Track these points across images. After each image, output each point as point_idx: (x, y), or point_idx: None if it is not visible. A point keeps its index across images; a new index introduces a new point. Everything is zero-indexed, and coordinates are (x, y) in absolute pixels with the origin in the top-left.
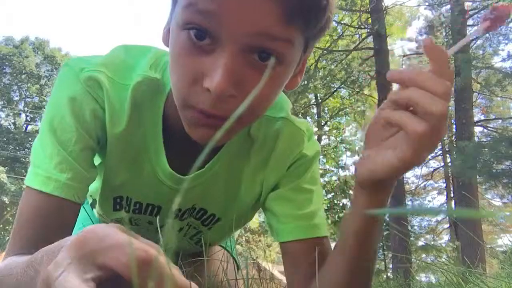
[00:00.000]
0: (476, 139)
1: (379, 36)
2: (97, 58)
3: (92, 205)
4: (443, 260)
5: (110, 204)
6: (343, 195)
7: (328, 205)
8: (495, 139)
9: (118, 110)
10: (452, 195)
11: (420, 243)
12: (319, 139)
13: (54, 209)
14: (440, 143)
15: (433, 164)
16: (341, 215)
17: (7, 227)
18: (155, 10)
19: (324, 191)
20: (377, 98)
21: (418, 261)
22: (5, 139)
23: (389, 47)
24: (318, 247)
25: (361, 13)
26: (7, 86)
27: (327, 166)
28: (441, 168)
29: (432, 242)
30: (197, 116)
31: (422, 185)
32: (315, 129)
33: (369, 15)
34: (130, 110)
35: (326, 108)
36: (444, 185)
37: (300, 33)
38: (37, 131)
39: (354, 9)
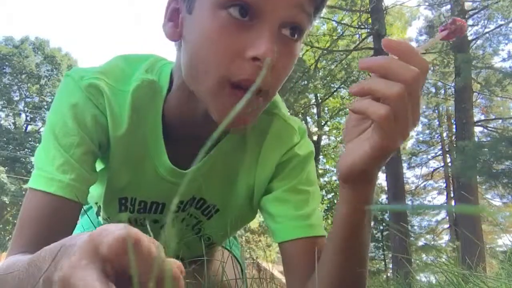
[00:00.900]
0: (476, 139)
1: (379, 36)
2: (97, 68)
3: (98, 213)
4: (443, 260)
5: (115, 206)
6: None
7: (328, 205)
8: (495, 139)
9: (119, 114)
10: (452, 195)
11: (420, 243)
12: (319, 139)
13: (57, 209)
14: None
15: (433, 164)
16: None
17: (7, 227)
18: (155, 10)
19: (324, 191)
20: None
21: (418, 261)
22: (5, 139)
23: None
24: (316, 246)
25: (361, 13)
26: (7, 86)
27: (327, 166)
28: (441, 168)
29: (432, 242)
30: (236, 94)
31: (422, 185)
32: (315, 129)
33: (369, 15)
34: (130, 112)
35: (326, 108)
36: (444, 185)
37: (313, 6)
38: (37, 131)
39: (354, 9)
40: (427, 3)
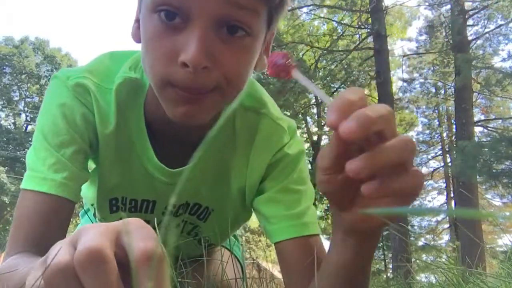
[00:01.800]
0: (476, 139)
1: (379, 36)
2: (83, 67)
3: (94, 214)
4: (443, 260)
5: (107, 207)
6: None
7: (328, 205)
8: (495, 139)
9: (106, 112)
10: (452, 195)
11: (420, 243)
12: (319, 139)
13: (51, 208)
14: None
15: (433, 164)
16: None
17: (7, 227)
18: None
19: None
20: (377, 98)
21: (418, 261)
22: (5, 139)
23: (389, 47)
24: (311, 245)
25: (361, 13)
26: (7, 86)
27: None
28: (441, 168)
29: (432, 242)
30: (177, 92)
31: None
32: (315, 129)
33: (369, 15)
34: (115, 110)
35: (326, 108)
36: (444, 185)
37: (263, 4)
38: None
39: (354, 9)
40: (427, 3)
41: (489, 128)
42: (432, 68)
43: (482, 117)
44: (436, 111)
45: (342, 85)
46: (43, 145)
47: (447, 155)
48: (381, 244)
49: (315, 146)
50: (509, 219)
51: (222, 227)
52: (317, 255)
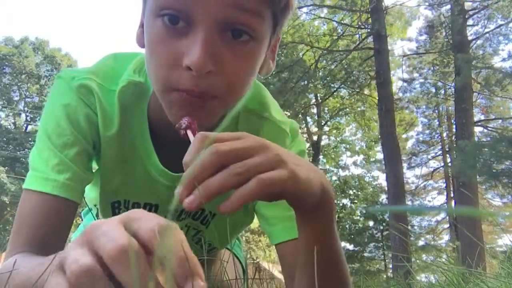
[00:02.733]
0: (476, 139)
1: (379, 36)
2: (87, 68)
3: (97, 215)
4: (443, 260)
5: (109, 210)
6: (343, 195)
7: None
8: (495, 139)
9: (109, 114)
10: (452, 195)
11: (420, 243)
12: (319, 139)
13: (53, 208)
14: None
15: (433, 164)
16: (341, 215)
17: (7, 227)
18: None
19: None
20: (377, 98)
21: (418, 261)
22: (5, 139)
23: (389, 47)
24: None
25: (361, 13)
26: (7, 86)
27: (327, 166)
28: (441, 168)
29: (432, 242)
30: (180, 96)
31: (422, 185)
32: (315, 129)
33: (369, 15)
34: (119, 113)
35: (326, 108)
36: (444, 185)
37: (268, 6)
38: (37, 131)
39: (354, 9)
40: (427, 3)
41: (489, 128)
42: (432, 68)
43: (482, 117)
44: (436, 111)
45: (342, 85)
46: (46, 145)
47: (447, 155)
48: (381, 244)
49: (315, 146)
50: (509, 219)
51: (225, 232)
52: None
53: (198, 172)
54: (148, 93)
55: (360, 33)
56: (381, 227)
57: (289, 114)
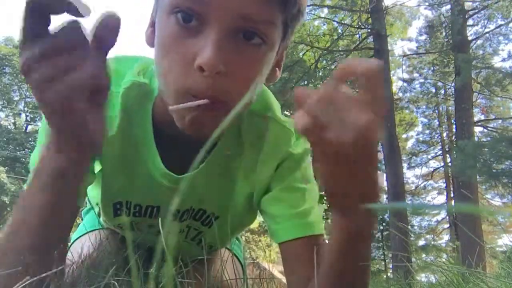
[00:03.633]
0: (476, 139)
1: (379, 36)
2: None
3: (99, 214)
4: (443, 260)
5: (111, 211)
6: None
7: (328, 205)
8: (495, 139)
9: (111, 115)
10: (452, 195)
11: (420, 243)
12: None
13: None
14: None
15: (433, 164)
16: None
17: None
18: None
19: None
20: None
21: (418, 261)
22: (5, 139)
23: (389, 47)
24: (315, 245)
25: (361, 13)
26: (7, 86)
27: None
28: (441, 168)
29: (432, 242)
30: (190, 99)
31: (422, 185)
32: None
33: (369, 15)
34: (120, 115)
35: None
36: (444, 185)
37: (279, 14)
38: (37, 131)
39: (354, 9)
40: (427, 3)
41: (489, 128)
42: (432, 68)
43: (482, 117)
44: (436, 111)
45: None
46: None
47: (447, 155)
48: (381, 244)
49: None
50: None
51: (226, 232)
52: (321, 254)
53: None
54: (153, 95)
55: (360, 33)
56: (381, 227)
57: (289, 114)
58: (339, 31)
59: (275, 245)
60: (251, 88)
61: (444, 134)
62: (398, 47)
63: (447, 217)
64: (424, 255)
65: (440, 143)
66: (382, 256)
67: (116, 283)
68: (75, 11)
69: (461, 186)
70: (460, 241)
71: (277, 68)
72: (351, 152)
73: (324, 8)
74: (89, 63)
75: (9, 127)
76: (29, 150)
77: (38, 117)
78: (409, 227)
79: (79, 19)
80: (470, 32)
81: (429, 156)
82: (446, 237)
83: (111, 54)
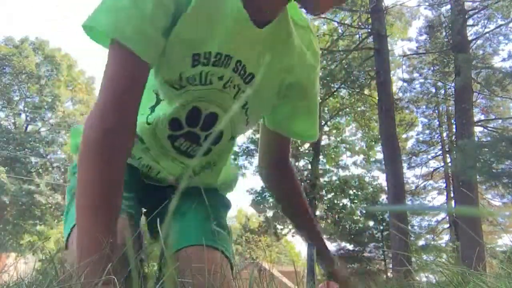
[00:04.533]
0: (476, 139)
1: (379, 36)
2: None
3: (153, 107)
4: (443, 260)
5: (189, 61)
6: (343, 195)
7: (329, 205)
8: (495, 139)
9: None
10: (452, 195)
11: (420, 243)
12: (319, 139)
13: (135, 66)
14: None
15: (433, 164)
16: (341, 215)
17: (7, 227)
18: None
19: (324, 191)
20: (377, 98)
21: (418, 261)
22: (5, 139)
23: (389, 47)
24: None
25: (361, 13)
26: (7, 86)
27: (327, 166)
28: (441, 168)
29: (432, 242)
30: None
31: (422, 185)
32: None
33: (369, 15)
34: None
35: (326, 108)
36: (444, 185)
37: None
38: (37, 131)
39: (354, 9)
40: (427, 3)
41: (489, 128)
42: (432, 68)
43: (482, 117)
44: (436, 111)
45: (342, 85)
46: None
47: (447, 155)
48: (381, 244)
49: (315, 146)
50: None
51: (257, 111)
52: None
53: None
54: None
55: (360, 33)
56: (381, 227)
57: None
58: (339, 31)
59: (275, 245)
60: None
61: (444, 134)
62: (398, 47)
63: (447, 217)
64: (424, 255)
65: (440, 143)
66: (382, 256)
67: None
68: None
69: (461, 186)
70: (460, 241)
71: None
72: None
73: None
74: None
75: (9, 127)
76: (29, 150)
77: (38, 117)
78: (409, 227)
79: None
80: (470, 32)
81: (429, 156)
82: (446, 237)
83: None
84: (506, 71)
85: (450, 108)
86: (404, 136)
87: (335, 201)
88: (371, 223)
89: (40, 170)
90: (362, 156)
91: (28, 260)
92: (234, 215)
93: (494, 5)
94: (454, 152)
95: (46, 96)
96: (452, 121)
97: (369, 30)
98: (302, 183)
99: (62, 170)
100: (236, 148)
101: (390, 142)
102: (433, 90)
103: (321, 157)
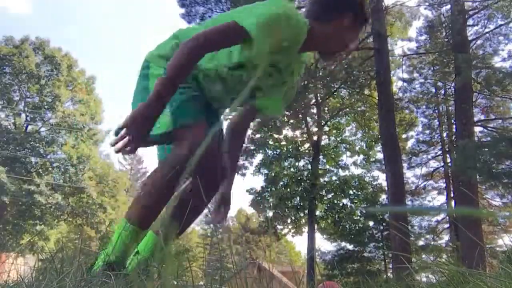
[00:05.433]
0: (476, 139)
1: (379, 36)
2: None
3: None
4: (443, 260)
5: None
6: (343, 195)
7: (328, 205)
8: (495, 139)
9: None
10: (452, 195)
11: (420, 243)
12: (319, 139)
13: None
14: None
15: (433, 164)
16: (341, 215)
17: (7, 227)
18: (156, 10)
19: (324, 191)
20: (377, 98)
21: (418, 261)
22: (5, 139)
23: (389, 47)
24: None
25: None
26: (7, 86)
27: (327, 166)
28: (441, 168)
29: (432, 242)
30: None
31: (422, 185)
32: (315, 129)
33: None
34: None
35: (326, 108)
36: (444, 185)
37: None
38: (37, 131)
39: None
40: (427, 3)
41: (489, 128)
42: (432, 68)
43: (482, 117)
44: (436, 111)
45: (342, 85)
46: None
47: (447, 155)
48: (381, 244)
49: (315, 146)
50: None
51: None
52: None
53: None
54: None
55: None
56: (381, 227)
57: (289, 114)
58: None
59: (275, 245)
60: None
61: (444, 134)
62: (398, 47)
63: (447, 217)
64: (424, 255)
65: (440, 143)
66: (382, 256)
67: None
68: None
69: (461, 186)
70: (460, 241)
71: None
72: None
73: None
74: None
75: (9, 127)
76: (29, 150)
77: (38, 117)
78: (409, 227)
79: None
80: (470, 32)
81: (429, 156)
82: (446, 237)
83: None
84: (506, 71)
85: (450, 108)
86: (404, 136)
87: (335, 201)
88: (371, 223)
89: (40, 170)
90: (362, 156)
91: (28, 260)
92: (234, 215)
93: (494, 5)
94: (454, 152)
95: (46, 96)
96: (452, 121)
97: (369, 30)
98: (302, 183)
99: (62, 170)
100: None
101: (390, 142)
102: (433, 90)
103: (321, 157)
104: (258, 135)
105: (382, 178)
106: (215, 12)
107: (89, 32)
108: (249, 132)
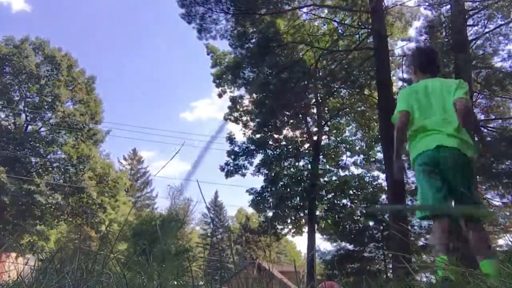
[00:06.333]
0: (476, 139)
1: (379, 36)
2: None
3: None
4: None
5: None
6: (343, 195)
7: (328, 205)
8: (495, 139)
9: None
10: None
11: (420, 243)
12: (319, 139)
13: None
14: None
15: None
16: (341, 215)
17: (7, 227)
18: (155, 10)
19: (324, 191)
20: (377, 98)
21: (418, 261)
22: (5, 139)
23: (389, 47)
24: None
25: (361, 13)
26: (7, 86)
27: (327, 166)
28: None
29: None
30: None
31: None
32: (315, 129)
33: (369, 15)
34: None
35: (326, 108)
36: None
37: None
38: (37, 131)
39: (354, 9)
40: (427, 3)
41: (489, 128)
42: None
43: (482, 117)
44: None
45: (342, 85)
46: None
47: None
48: (381, 244)
49: (315, 146)
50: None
51: None
52: None
53: None
54: None
55: (360, 33)
56: (381, 227)
57: (289, 114)
58: (339, 31)
59: (275, 245)
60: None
61: None
62: (398, 47)
63: None
64: (424, 255)
65: None
66: (382, 256)
67: None
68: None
69: None
70: (460, 241)
71: None
72: None
73: (324, 8)
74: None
75: (9, 127)
76: (29, 150)
77: (38, 117)
78: (409, 227)
79: None
80: (470, 32)
81: None
82: None
83: None
84: (506, 71)
85: None
86: None
87: (335, 201)
88: (371, 223)
89: (40, 170)
90: (362, 156)
91: (28, 260)
92: (234, 215)
93: (494, 5)
94: None
95: (46, 96)
96: None
97: (369, 30)
98: (302, 183)
99: (62, 170)
100: (236, 148)
101: (390, 142)
102: None
103: (321, 157)
104: (258, 135)
105: (382, 178)
106: (215, 12)
107: (89, 32)
108: (249, 132)
